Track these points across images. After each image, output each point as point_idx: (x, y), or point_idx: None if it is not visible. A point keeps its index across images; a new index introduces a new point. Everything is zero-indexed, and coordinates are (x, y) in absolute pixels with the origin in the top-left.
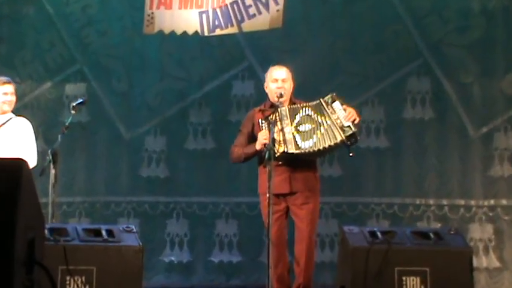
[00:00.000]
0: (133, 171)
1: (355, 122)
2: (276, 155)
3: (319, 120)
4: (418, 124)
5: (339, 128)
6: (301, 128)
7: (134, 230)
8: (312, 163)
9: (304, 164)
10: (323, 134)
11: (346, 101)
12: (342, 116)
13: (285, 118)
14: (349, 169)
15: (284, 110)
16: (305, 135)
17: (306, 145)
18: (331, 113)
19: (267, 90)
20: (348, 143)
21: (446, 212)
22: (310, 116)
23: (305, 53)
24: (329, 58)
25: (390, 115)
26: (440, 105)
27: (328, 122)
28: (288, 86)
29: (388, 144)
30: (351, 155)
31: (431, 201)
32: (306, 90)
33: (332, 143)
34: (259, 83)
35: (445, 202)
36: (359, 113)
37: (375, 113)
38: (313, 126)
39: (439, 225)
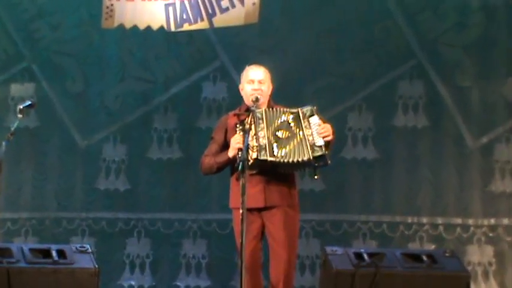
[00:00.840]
0: (89, 183)
1: (327, 138)
2: (249, 163)
3: (295, 131)
4: (411, 133)
5: (309, 145)
6: (279, 134)
7: (89, 251)
8: (291, 175)
9: (281, 175)
10: (294, 147)
11: (330, 105)
12: (316, 132)
13: (261, 122)
14: (333, 183)
15: (260, 112)
16: (282, 143)
17: (282, 153)
18: (306, 127)
19: (242, 93)
20: (316, 164)
21: (441, 232)
22: (289, 123)
23: (285, 52)
24: (311, 57)
25: (379, 122)
26: (435, 111)
27: (301, 135)
28: (266, 88)
29: (377, 154)
30: (316, 177)
31: (424, 220)
32: (286, 93)
33: (300, 159)
34: (233, 85)
35: (439, 221)
36: (334, 132)
37: (362, 120)
38: (289, 135)
39: (433, 246)
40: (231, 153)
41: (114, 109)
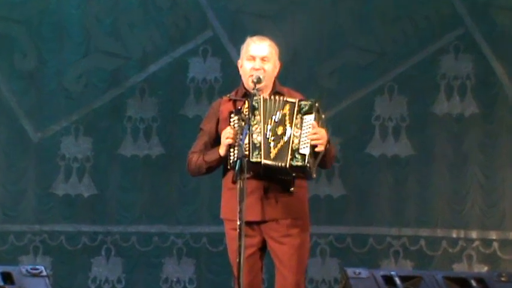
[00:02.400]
0: (43, 187)
1: (316, 148)
2: (233, 163)
3: (285, 128)
4: (456, 122)
5: (290, 150)
6: (278, 130)
7: (44, 273)
8: (297, 177)
9: (284, 180)
10: (278, 148)
11: (352, 88)
12: (305, 136)
13: (257, 113)
14: (356, 187)
15: (257, 100)
16: (276, 140)
17: (274, 155)
18: (296, 125)
19: (241, 72)
20: (293, 174)
21: (495, 250)
22: (285, 117)
23: (293, 19)
24: (328, 26)
25: (415, 109)
26: (487, 95)
27: (288, 134)
28: (270, 68)
29: (412, 151)
30: (291, 190)
31: (473, 234)
32: (295, 74)
33: (276, 164)
34: (228, 61)
35: (493, 236)
36: (328, 142)
37: (394, 107)
38: (283, 132)
39: (485, 268)
40: (222, 150)
41: (76, 92)
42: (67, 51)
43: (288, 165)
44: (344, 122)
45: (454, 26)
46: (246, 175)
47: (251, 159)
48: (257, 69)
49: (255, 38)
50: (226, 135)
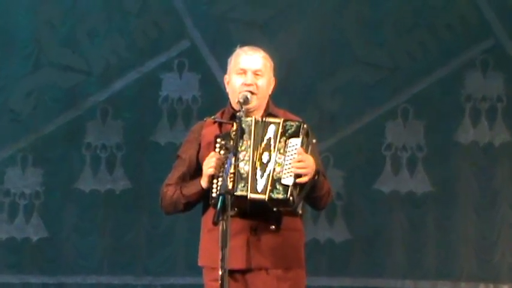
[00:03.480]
0: None
1: (300, 178)
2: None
3: (269, 153)
4: (484, 152)
5: (271, 179)
6: (264, 157)
7: None
8: (291, 217)
9: (275, 219)
10: (265, 175)
11: (358, 110)
12: (289, 163)
13: (246, 137)
14: (363, 229)
15: (247, 122)
16: (264, 170)
17: (263, 187)
18: (279, 150)
19: (228, 89)
20: (274, 209)
21: None
22: (274, 138)
23: (288, 28)
24: (330, 36)
25: (435, 137)
26: None
27: (271, 161)
28: (264, 84)
29: (431, 187)
30: (272, 227)
31: None
32: (291, 92)
33: (253, 196)
34: (209, 76)
35: None
36: (317, 171)
37: (409, 133)
38: (268, 159)
39: None
40: (203, 181)
41: (24, 114)
42: (13, 64)
43: (267, 198)
44: (349, 152)
45: (481, 36)
46: (231, 213)
47: (235, 193)
48: (248, 85)
49: (246, 49)
50: (209, 163)
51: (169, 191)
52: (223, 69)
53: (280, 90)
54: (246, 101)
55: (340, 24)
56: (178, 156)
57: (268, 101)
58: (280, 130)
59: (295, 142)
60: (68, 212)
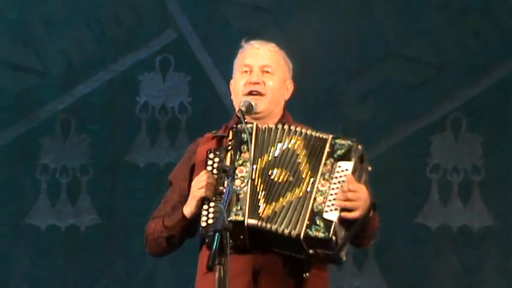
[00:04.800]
0: None
1: (348, 214)
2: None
3: (301, 174)
4: None
5: (309, 213)
6: (274, 173)
7: None
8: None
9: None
10: (287, 205)
11: (394, 121)
12: (336, 193)
13: (245, 148)
14: (402, 275)
15: (249, 128)
16: (274, 192)
17: (270, 212)
18: (324, 175)
19: (232, 96)
20: (309, 251)
21: None
22: (296, 156)
23: (304, 15)
24: (358, 24)
25: (495, 155)
26: None
27: (306, 186)
28: (276, 84)
29: (491, 220)
30: (305, 275)
31: None
32: (305, 97)
33: (285, 232)
34: (202, 77)
35: None
36: (368, 206)
37: (461, 151)
38: (290, 179)
39: None
40: (188, 208)
41: None
42: None
43: (302, 235)
44: (383, 175)
45: None
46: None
47: (229, 218)
48: (254, 83)
49: (253, 42)
50: (199, 184)
51: (153, 225)
52: (219, 67)
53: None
54: (249, 108)
55: (369, 9)
56: (170, 183)
57: (283, 110)
58: (326, 149)
59: (346, 167)
60: (19, 253)
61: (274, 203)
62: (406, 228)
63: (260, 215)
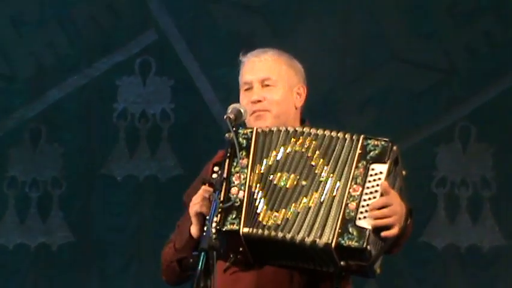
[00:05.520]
0: None
1: (382, 225)
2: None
3: (318, 177)
4: None
5: (340, 220)
6: (279, 178)
7: None
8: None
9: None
10: (304, 210)
11: (399, 129)
12: (368, 198)
13: (244, 154)
14: None
15: (245, 134)
16: (280, 198)
17: (276, 219)
18: (355, 178)
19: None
20: (341, 262)
21: None
22: (306, 157)
23: (300, 13)
24: (361, 25)
25: (508, 167)
26: None
27: (335, 193)
28: (279, 95)
29: (503, 239)
30: None
31: None
32: (308, 104)
33: (307, 241)
34: (187, 82)
35: None
36: (407, 222)
37: (470, 162)
38: (303, 182)
39: None
40: (193, 227)
41: None
42: None
43: (334, 244)
44: None
45: None
46: (227, 263)
47: (224, 228)
48: (255, 102)
49: (250, 54)
50: (195, 199)
51: (166, 249)
52: (206, 71)
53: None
54: (238, 115)
55: (370, 9)
56: (183, 203)
57: (301, 117)
58: (358, 150)
59: (380, 169)
60: None
61: (283, 210)
62: (409, 248)
63: (262, 223)
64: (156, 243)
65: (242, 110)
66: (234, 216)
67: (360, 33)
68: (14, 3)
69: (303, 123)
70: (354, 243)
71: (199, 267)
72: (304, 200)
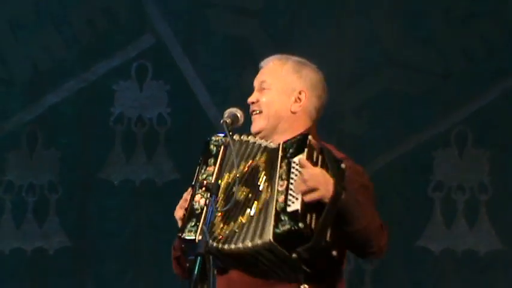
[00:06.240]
0: None
1: (309, 195)
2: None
3: (260, 188)
4: None
5: (273, 216)
6: (236, 190)
7: None
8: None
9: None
10: (248, 221)
11: (393, 133)
12: (295, 186)
13: (211, 162)
14: None
15: (216, 142)
16: (234, 211)
17: (226, 231)
18: (281, 176)
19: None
20: (292, 255)
21: None
22: (258, 171)
23: (295, 16)
24: (356, 29)
25: (505, 172)
26: None
27: (266, 195)
28: (273, 98)
29: (499, 243)
30: (303, 286)
31: None
32: None
33: (251, 245)
34: (183, 87)
35: None
36: (335, 187)
37: (467, 167)
38: (250, 195)
39: None
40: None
41: None
42: None
43: (272, 237)
44: (381, 193)
45: None
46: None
47: (182, 234)
48: (251, 104)
49: (268, 58)
50: (181, 203)
51: (173, 252)
52: (202, 76)
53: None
54: (235, 119)
55: (366, 12)
56: None
57: (314, 127)
58: (279, 154)
59: (301, 160)
60: None
61: (232, 223)
62: (406, 253)
63: (214, 234)
64: (153, 247)
65: (238, 115)
66: (193, 224)
67: (355, 37)
68: (11, 6)
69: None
70: (287, 227)
71: (196, 272)
72: (248, 210)
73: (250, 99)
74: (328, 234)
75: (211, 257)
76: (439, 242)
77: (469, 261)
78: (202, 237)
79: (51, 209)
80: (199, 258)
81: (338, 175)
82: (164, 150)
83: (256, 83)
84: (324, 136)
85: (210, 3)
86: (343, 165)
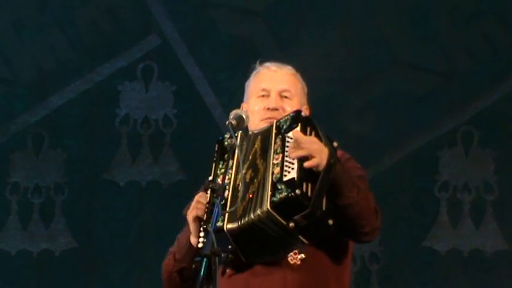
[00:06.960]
0: None
1: (306, 162)
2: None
3: (259, 166)
4: None
5: (270, 187)
6: (248, 176)
7: None
8: (332, 273)
9: (308, 274)
10: (254, 195)
11: (399, 134)
12: (287, 156)
13: (228, 155)
14: None
15: (232, 139)
16: (244, 192)
17: (241, 212)
18: (276, 151)
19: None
20: (290, 224)
21: None
22: (256, 153)
23: (299, 16)
24: (361, 29)
25: (511, 173)
26: None
27: (264, 168)
28: (294, 106)
29: (505, 244)
30: (299, 256)
31: None
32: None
33: (254, 217)
34: (189, 88)
35: None
36: (329, 154)
37: (473, 167)
38: (252, 174)
39: None
40: (192, 235)
41: None
42: None
43: (269, 206)
44: (386, 194)
45: None
46: (225, 267)
47: (209, 228)
48: (272, 110)
49: (268, 64)
50: (192, 206)
51: (166, 261)
52: (207, 76)
53: None
54: (240, 121)
55: (371, 12)
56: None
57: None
58: (273, 133)
59: (295, 133)
60: None
61: (243, 202)
62: (412, 253)
63: (236, 216)
64: (159, 248)
65: (244, 116)
66: (221, 215)
67: (360, 37)
68: (16, 7)
69: None
70: (284, 194)
71: (202, 273)
72: (251, 188)
73: (273, 105)
74: (324, 203)
75: (216, 258)
76: (445, 242)
77: (476, 261)
78: (207, 239)
79: (57, 210)
80: (205, 259)
81: (332, 148)
82: (170, 151)
83: (273, 86)
84: (331, 136)
85: (216, 4)
86: (335, 143)
